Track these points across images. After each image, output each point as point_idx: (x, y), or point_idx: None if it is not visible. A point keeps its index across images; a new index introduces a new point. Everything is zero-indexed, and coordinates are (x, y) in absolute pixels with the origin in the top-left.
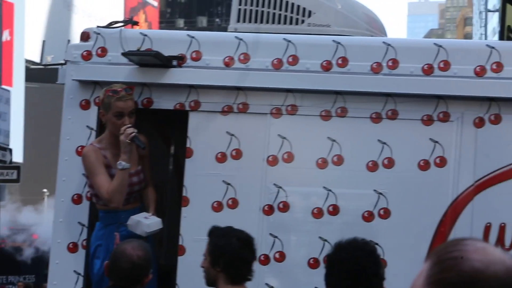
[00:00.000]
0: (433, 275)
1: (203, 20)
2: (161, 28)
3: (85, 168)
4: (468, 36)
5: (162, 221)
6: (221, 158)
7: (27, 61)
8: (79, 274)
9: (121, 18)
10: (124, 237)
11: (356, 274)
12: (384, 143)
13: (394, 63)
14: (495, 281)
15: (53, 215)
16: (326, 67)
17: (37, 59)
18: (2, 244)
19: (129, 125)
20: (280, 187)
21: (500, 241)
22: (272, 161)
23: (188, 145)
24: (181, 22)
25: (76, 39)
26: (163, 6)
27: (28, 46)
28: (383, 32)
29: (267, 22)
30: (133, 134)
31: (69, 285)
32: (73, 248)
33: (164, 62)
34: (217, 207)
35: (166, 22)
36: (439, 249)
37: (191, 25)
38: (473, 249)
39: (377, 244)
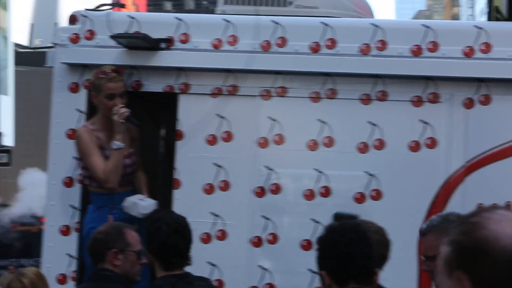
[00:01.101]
0: (453, 235)
1: (190, 3)
2: (148, 10)
3: (79, 150)
4: (455, 17)
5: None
6: (212, 140)
7: (15, 45)
8: (72, 256)
9: (109, 1)
10: (117, 219)
11: (348, 256)
12: (375, 124)
13: (383, 45)
14: (501, 255)
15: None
16: (315, 48)
17: (25, 42)
18: (13, 227)
19: (122, 105)
20: (272, 169)
21: None
22: (263, 143)
23: (178, 128)
24: (168, 4)
25: (64, 21)
26: None
27: (16, 29)
28: (370, 14)
29: (255, 4)
30: (126, 113)
31: (62, 268)
32: (65, 231)
33: (152, 44)
34: (209, 189)
35: (154, 4)
36: (470, 212)
37: (178, 8)
38: (498, 219)
39: None
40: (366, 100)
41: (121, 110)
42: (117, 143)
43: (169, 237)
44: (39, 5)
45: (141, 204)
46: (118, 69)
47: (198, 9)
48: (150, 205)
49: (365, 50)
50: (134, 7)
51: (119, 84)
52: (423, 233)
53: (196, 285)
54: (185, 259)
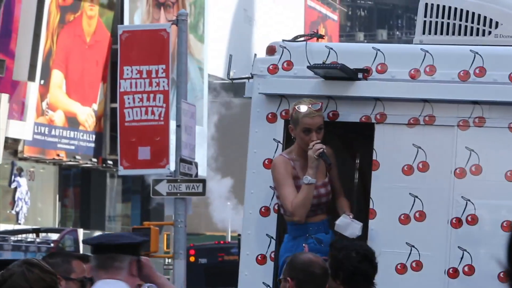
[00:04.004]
0: None
1: (383, 33)
2: (341, 41)
3: (274, 178)
4: None
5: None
6: (408, 170)
7: (210, 76)
8: (268, 285)
9: (301, 33)
10: (312, 249)
11: None
12: None
13: None
14: None
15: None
16: None
17: (219, 73)
18: (220, 257)
19: (318, 141)
20: (468, 200)
21: None
22: (460, 173)
23: (374, 158)
24: (361, 35)
25: (258, 53)
26: (342, 19)
27: (211, 61)
28: None
29: (453, 33)
30: (321, 150)
31: None
32: (261, 260)
33: (350, 75)
34: (404, 219)
35: (346, 35)
36: None
37: (371, 38)
38: None
39: None
40: None
41: (316, 146)
42: (308, 178)
43: (360, 264)
44: (233, 37)
45: (356, 225)
46: (317, 103)
47: (391, 40)
48: (361, 227)
49: None
50: (327, 38)
51: (316, 120)
52: None
53: None
54: (372, 286)
